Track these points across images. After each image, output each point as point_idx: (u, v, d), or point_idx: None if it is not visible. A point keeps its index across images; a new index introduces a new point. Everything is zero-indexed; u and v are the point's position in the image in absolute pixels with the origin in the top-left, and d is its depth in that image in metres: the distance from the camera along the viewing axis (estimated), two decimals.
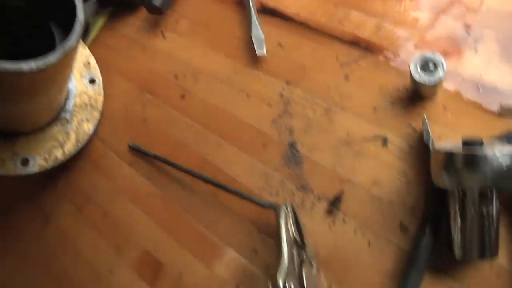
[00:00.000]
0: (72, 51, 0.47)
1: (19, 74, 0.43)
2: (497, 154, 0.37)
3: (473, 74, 0.49)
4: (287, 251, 0.40)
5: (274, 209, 0.44)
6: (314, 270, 0.42)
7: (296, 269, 0.40)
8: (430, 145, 0.45)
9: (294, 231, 0.43)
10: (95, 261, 0.59)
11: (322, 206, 0.49)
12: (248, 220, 0.51)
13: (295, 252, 0.41)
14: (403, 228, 0.45)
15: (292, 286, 0.38)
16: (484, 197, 0.39)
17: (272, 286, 0.38)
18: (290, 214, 0.43)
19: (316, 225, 0.48)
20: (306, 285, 0.39)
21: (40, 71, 0.44)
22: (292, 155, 0.52)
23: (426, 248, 0.43)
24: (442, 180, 0.40)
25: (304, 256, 0.42)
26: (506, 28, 0.49)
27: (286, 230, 0.42)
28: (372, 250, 0.46)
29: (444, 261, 0.43)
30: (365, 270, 0.45)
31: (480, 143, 0.39)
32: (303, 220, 0.48)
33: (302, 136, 0.52)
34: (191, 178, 0.55)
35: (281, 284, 0.37)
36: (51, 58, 0.44)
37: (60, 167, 0.63)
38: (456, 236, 0.41)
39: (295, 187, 0.51)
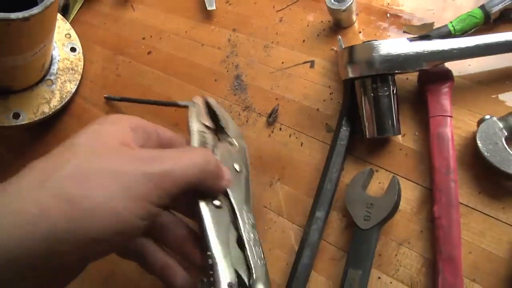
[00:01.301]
0: (52, 5, 0.57)
1: (8, 22, 0.53)
2: (384, 44, 0.47)
3: (382, 5, 0.58)
4: (196, 137, 0.40)
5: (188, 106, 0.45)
6: (236, 146, 0.43)
7: (211, 148, 0.40)
8: (341, 48, 0.54)
9: (204, 116, 0.43)
10: None
11: (263, 120, 0.58)
12: None
13: (208, 136, 0.42)
14: (328, 128, 0.54)
15: None
16: (380, 81, 0.48)
17: None
18: (201, 107, 0.43)
19: (258, 135, 0.57)
20: (220, 158, 0.39)
21: (25, 20, 0.54)
22: (238, 85, 0.61)
23: (342, 138, 0.52)
24: (345, 71, 0.49)
25: (224, 137, 0.43)
26: None
27: (197, 120, 0.42)
28: (304, 149, 0.55)
29: (361, 147, 0.52)
30: (299, 166, 0.54)
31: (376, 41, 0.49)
32: (247, 133, 0.57)
33: (246, 69, 0.62)
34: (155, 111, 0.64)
35: None
36: (35, 10, 0.55)
37: (47, 122, 0.72)
38: (362, 119, 0.50)
39: (241, 109, 0.60)
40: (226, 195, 0.39)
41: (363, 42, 0.50)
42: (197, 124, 0.41)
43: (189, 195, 0.36)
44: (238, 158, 0.42)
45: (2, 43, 0.58)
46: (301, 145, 0.55)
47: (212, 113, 0.44)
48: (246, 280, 0.35)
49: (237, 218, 0.38)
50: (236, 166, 0.41)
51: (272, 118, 0.57)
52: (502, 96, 0.49)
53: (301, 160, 0.54)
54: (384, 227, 0.48)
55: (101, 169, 0.29)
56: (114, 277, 0.57)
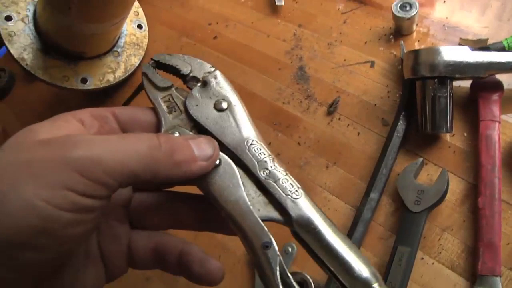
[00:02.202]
0: None
1: None
2: (449, 50, 0.53)
3: (441, 18, 0.64)
4: (159, 104, 0.35)
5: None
6: (212, 82, 0.36)
7: (182, 108, 0.35)
8: (403, 55, 0.60)
9: (158, 78, 0.37)
10: None
11: (323, 109, 0.64)
12: (265, 119, 0.65)
13: (173, 95, 0.36)
14: (384, 122, 0.60)
15: (178, 134, 0.34)
16: (439, 83, 0.54)
17: None
18: (150, 69, 0.37)
19: (319, 123, 0.63)
20: (195, 115, 0.34)
21: None
22: (301, 75, 0.67)
23: (399, 131, 0.57)
24: (410, 71, 0.55)
25: (194, 83, 0.37)
26: None
27: (150, 87, 0.36)
28: (360, 138, 0.60)
29: (414, 142, 0.58)
30: (354, 153, 0.60)
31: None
32: (307, 119, 0.63)
33: (309, 62, 0.68)
34: None
35: None
36: None
37: (109, 91, 0.78)
38: (419, 115, 0.55)
39: (303, 97, 0.65)
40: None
41: (428, 47, 0.55)
42: (154, 91, 0.36)
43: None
44: (218, 93, 0.36)
45: (92, 10, 0.63)
46: (358, 134, 0.60)
47: (168, 68, 0.38)
48: (284, 221, 0.32)
49: (243, 161, 0.33)
50: (218, 105, 0.35)
51: (332, 108, 0.62)
52: None
53: (357, 148, 0.60)
54: (430, 214, 0.53)
55: (15, 160, 0.26)
56: None
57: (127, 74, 0.78)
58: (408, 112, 0.58)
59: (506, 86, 0.56)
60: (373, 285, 0.30)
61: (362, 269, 0.30)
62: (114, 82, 0.77)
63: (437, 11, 0.65)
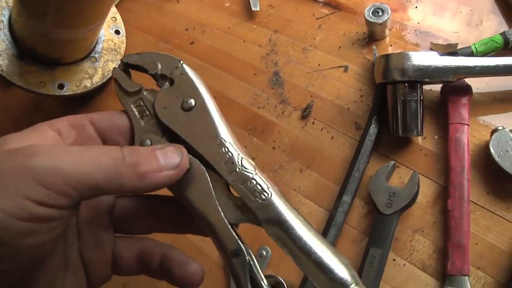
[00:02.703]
0: None
1: None
2: (418, 55, 0.54)
3: (413, 23, 0.66)
4: (131, 110, 0.34)
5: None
6: (177, 80, 0.34)
7: (152, 111, 0.34)
8: (375, 57, 0.60)
9: (127, 83, 0.36)
10: None
11: (297, 114, 0.64)
12: (240, 124, 0.66)
13: (145, 97, 0.35)
14: (357, 126, 0.61)
15: (149, 142, 0.33)
16: (410, 87, 0.55)
17: None
18: (120, 73, 0.37)
19: (293, 127, 0.63)
20: (163, 119, 0.33)
21: None
22: (276, 80, 0.68)
23: (371, 135, 0.58)
24: (381, 75, 0.56)
25: (163, 81, 0.35)
26: None
27: (121, 93, 0.36)
28: (334, 142, 0.61)
29: (386, 145, 0.58)
30: (328, 157, 0.60)
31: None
32: (282, 123, 0.63)
33: (284, 67, 0.68)
34: None
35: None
36: None
37: (87, 96, 0.77)
38: (391, 118, 0.56)
39: (278, 102, 0.66)
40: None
41: (398, 52, 0.56)
42: (125, 97, 0.35)
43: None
44: (185, 91, 0.34)
45: (68, 16, 0.63)
46: (331, 138, 0.61)
47: (139, 68, 0.37)
48: (255, 222, 0.32)
49: (212, 166, 0.32)
50: (185, 104, 0.33)
51: (306, 112, 0.63)
52: None
53: (331, 152, 0.60)
54: (402, 216, 0.54)
55: None
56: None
57: (105, 79, 0.78)
58: (380, 116, 0.59)
59: (475, 90, 0.57)
60: (351, 286, 0.29)
61: (339, 269, 0.30)
62: (92, 88, 0.76)
63: (409, 17, 0.66)
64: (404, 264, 0.52)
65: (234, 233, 0.31)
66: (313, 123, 0.63)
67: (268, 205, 0.31)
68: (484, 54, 0.58)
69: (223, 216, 0.31)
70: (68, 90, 0.74)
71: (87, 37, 0.72)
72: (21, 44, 0.72)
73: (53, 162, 0.26)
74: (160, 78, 0.35)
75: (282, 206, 0.31)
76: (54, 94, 0.73)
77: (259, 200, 0.31)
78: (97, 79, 0.77)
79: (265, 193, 0.31)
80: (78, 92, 0.75)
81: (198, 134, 0.33)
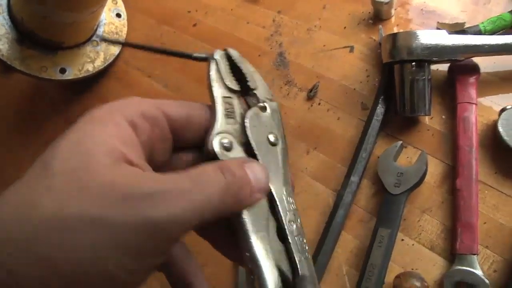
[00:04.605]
0: None
1: None
2: (426, 34, 0.53)
3: (419, 2, 0.65)
4: (221, 106, 0.33)
5: (206, 59, 0.36)
6: (268, 111, 0.35)
7: (239, 120, 0.33)
8: (381, 37, 0.60)
9: (229, 77, 0.35)
10: None
11: (303, 94, 0.64)
12: None
13: (234, 101, 0.34)
14: (364, 106, 0.60)
15: (227, 142, 0.31)
16: (417, 66, 0.54)
17: (205, 152, 0.31)
18: (223, 61, 0.35)
19: (298, 107, 0.63)
20: (251, 136, 0.32)
21: None
22: (281, 61, 0.67)
23: (378, 115, 0.58)
24: (388, 55, 0.55)
25: (254, 102, 0.35)
26: None
27: (217, 79, 0.34)
28: (340, 122, 0.61)
29: (393, 126, 0.58)
30: (334, 137, 0.60)
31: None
32: (287, 104, 0.63)
33: (289, 48, 0.68)
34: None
35: (215, 147, 0.30)
36: None
37: (89, 81, 0.77)
38: (398, 98, 0.56)
39: (283, 83, 0.65)
40: None
41: (405, 31, 0.56)
42: (220, 88, 0.34)
43: None
44: (272, 125, 0.34)
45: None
46: (338, 119, 0.61)
47: (236, 70, 0.36)
48: (289, 276, 0.31)
49: (277, 206, 0.32)
50: (271, 137, 0.34)
51: (312, 93, 0.62)
52: None
53: (337, 132, 0.60)
54: (409, 196, 0.54)
55: (81, 218, 0.22)
56: None
57: (106, 63, 0.77)
58: (387, 96, 0.58)
59: (482, 69, 0.56)
60: None
61: None
62: (94, 72, 0.76)
63: None
64: (413, 244, 0.52)
65: (277, 272, 0.30)
66: (319, 104, 0.62)
67: (309, 264, 0.32)
68: (493, 32, 0.57)
69: (270, 253, 0.30)
70: (70, 75, 0.74)
71: (89, 20, 0.71)
72: (21, 28, 0.71)
73: (169, 212, 0.24)
74: (252, 95, 0.35)
75: (313, 267, 0.33)
76: (56, 78, 0.73)
77: (304, 257, 0.32)
78: (99, 63, 0.76)
79: (307, 253, 0.32)
80: (80, 76, 0.74)
81: (274, 170, 0.32)
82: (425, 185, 0.54)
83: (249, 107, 0.34)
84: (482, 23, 0.57)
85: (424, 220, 0.53)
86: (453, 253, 0.50)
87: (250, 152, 0.32)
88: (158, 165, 0.29)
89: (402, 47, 0.54)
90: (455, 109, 0.55)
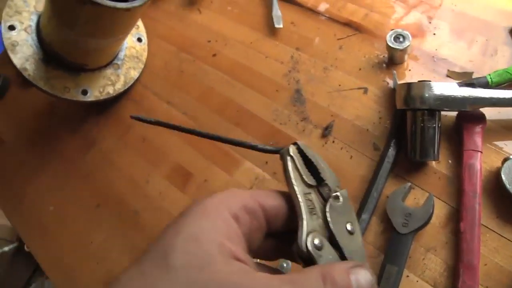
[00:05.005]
0: (146, 4, 0.65)
1: (114, 10, 0.60)
2: (439, 85, 0.57)
3: (430, 50, 0.69)
4: (304, 205, 0.33)
5: (278, 152, 0.37)
6: (340, 200, 0.36)
7: (320, 214, 0.34)
8: (395, 85, 0.64)
9: (306, 172, 0.35)
10: (134, 175, 0.75)
11: (318, 132, 0.67)
12: (262, 139, 0.69)
13: (313, 196, 0.35)
14: (375, 147, 0.64)
15: (318, 242, 0.32)
16: (429, 115, 0.58)
17: (296, 252, 0.32)
18: (296, 156, 0.36)
19: (313, 145, 0.66)
20: (334, 229, 0.33)
21: (127, 10, 0.61)
22: (298, 98, 0.71)
23: (389, 157, 0.61)
24: (402, 102, 0.59)
25: (327, 192, 0.36)
26: (455, 22, 0.70)
27: (296, 177, 0.35)
28: (352, 161, 0.64)
29: (402, 167, 0.62)
30: (347, 175, 0.63)
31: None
32: (303, 140, 0.66)
33: (306, 85, 0.71)
34: (216, 114, 0.73)
35: (309, 247, 0.31)
36: (136, 3, 0.62)
37: (109, 103, 0.79)
38: (409, 143, 0.60)
39: (299, 119, 0.69)
40: None
41: (420, 81, 0.60)
42: (300, 185, 0.35)
43: None
44: (347, 214, 0.36)
45: (99, 28, 0.65)
46: (351, 158, 0.64)
47: (307, 161, 0.37)
48: None
49: None
50: (349, 226, 0.35)
51: (327, 131, 0.66)
52: None
53: (349, 170, 0.64)
54: (415, 235, 0.57)
55: None
56: None
57: (126, 87, 0.80)
58: (398, 139, 0.62)
59: (487, 117, 0.60)
60: None
61: None
62: (114, 95, 0.79)
63: (428, 43, 0.69)
64: (417, 281, 0.56)
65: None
66: (333, 142, 0.66)
67: None
68: (498, 84, 0.61)
69: None
70: (91, 96, 0.76)
71: (113, 46, 0.74)
72: (48, 49, 0.74)
73: None
74: (324, 186, 0.36)
75: None
76: (78, 100, 0.75)
77: None
78: (119, 86, 0.79)
79: None
80: (101, 98, 0.77)
81: (352, 254, 0.34)
82: (430, 225, 0.58)
83: (323, 198, 0.35)
84: (489, 74, 0.61)
85: (428, 259, 0.56)
86: None
87: (334, 244, 0.33)
88: (251, 251, 0.31)
89: (416, 96, 0.58)
90: (461, 155, 0.59)
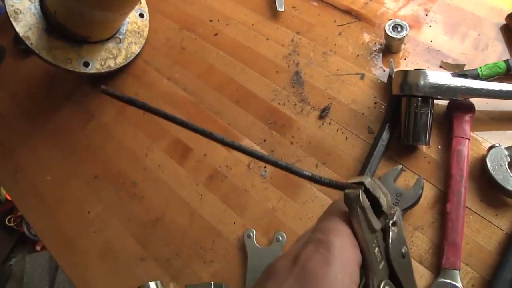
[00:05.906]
0: None
1: None
2: (433, 74, 0.60)
3: (426, 41, 0.72)
4: (373, 251, 0.33)
5: (342, 189, 0.35)
6: (397, 225, 0.35)
7: (383, 254, 0.34)
8: (392, 72, 0.67)
9: (374, 217, 0.34)
10: (133, 148, 0.76)
11: (315, 113, 0.70)
12: (261, 118, 0.71)
13: (378, 235, 0.34)
14: (370, 130, 0.67)
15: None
16: (423, 101, 0.61)
17: None
18: (365, 204, 0.33)
19: (310, 125, 0.69)
20: (396, 267, 0.34)
21: None
22: (297, 80, 0.73)
23: (383, 140, 0.65)
24: (398, 88, 0.62)
25: (385, 221, 0.35)
26: (451, 15, 0.73)
27: (365, 228, 0.33)
28: (347, 143, 0.67)
29: (395, 150, 0.65)
30: (342, 155, 0.66)
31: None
32: (300, 121, 0.69)
33: (305, 68, 0.74)
34: (216, 91, 0.75)
35: None
36: None
37: (109, 77, 0.80)
38: (402, 127, 0.63)
39: (297, 100, 0.71)
40: None
41: (416, 69, 0.63)
42: (370, 235, 0.33)
43: None
44: (401, 237, 0.35)
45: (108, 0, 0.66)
46: (346, 139, 0.67)
47: (371, 200, 0.34)
48: None
49: None
50: (404, 250, 0.35)
51: (324, 113, 0.69)
52: (509, 132, 0.64)
53: (344, 151, 0.67)
54: (405, 214, 0.61)
55: None
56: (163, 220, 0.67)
57: (127, 61, 0.81)
58: (392, 124, 0.65)
59: (477, 108, 0.64)
60: None
61: None
62: (115, 68, 0.79)
63: (423, 34, 0.72)
64: None
65: None
66: (329, 123, 0.69)
67: None
68: (488, 77, 0.65)
69: None
70: (92, 69, 0.77)
71: (118, 20, 0.75)
72: (51, 19, 0.74)
73: None
74: (383, 214, 0.35)
75: None
76: (80, 71, 0.76)
77: None
78: (120, 60, 0.80)
79: None
80: (102, 71, 0.78)
81: (406, 280, 0.35)
82: (419, 206, 0.61)
83: (382, 229, 0.35)
84: (480, 67, 0.65)
85: (416, 237, 0.60)
86: (438, 267, 0.58)
87: (391, 275, 0.35)
88: None
89: (412, 83, 0.61)
90: (451, 142, 0.63)
